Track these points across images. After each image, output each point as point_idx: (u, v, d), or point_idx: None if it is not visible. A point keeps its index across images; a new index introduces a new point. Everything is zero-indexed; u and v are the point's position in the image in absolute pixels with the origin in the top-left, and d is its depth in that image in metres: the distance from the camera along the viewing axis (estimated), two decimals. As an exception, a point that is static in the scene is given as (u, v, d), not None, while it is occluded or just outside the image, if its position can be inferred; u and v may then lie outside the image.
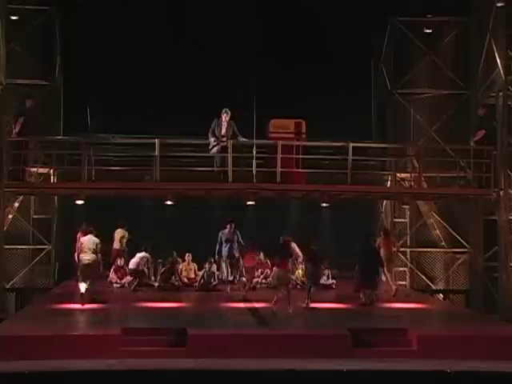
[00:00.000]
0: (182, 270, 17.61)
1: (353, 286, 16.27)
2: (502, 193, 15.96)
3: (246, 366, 10.58)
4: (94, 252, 14.81)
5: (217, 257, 16.83)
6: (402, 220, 19.99)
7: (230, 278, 16.75)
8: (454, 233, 19.12)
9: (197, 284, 17.24)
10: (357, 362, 10.76)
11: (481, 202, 17.25)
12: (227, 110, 15.86)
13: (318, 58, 19.90)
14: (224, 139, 15.71)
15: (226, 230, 16.48)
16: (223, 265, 16.74)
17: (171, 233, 19.53)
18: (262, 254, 18.11)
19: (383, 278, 16.58)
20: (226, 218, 16.76)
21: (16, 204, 18.45)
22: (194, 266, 17.66)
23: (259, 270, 17.94)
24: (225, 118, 15.83)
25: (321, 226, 20.19)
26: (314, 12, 19.69)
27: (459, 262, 19.14)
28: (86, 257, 14.76)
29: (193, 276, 17.53)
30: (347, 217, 19.27)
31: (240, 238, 16.56)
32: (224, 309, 14.64)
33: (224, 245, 16.44)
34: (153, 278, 17.42)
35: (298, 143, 16.19)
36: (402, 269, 19.75)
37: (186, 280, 17.46)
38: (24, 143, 15.70)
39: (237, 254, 16.57)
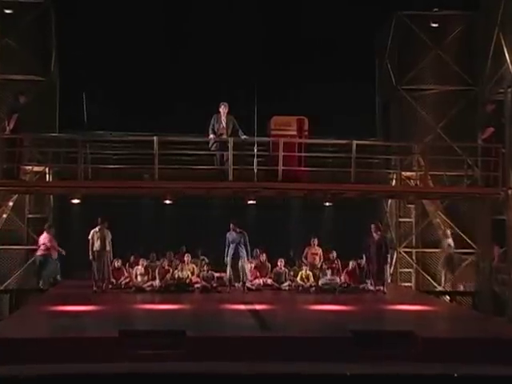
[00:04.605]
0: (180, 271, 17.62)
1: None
2: (510, 192, 15.94)
3: (246, 370, 10.58)
4: None
5: (226, 259, 16.88)
6: (408, 220, 20.01)
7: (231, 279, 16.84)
8: (460, 233, 19.12)
9: (197, 286, 17.24)
10: (360, 366, 10.75)
11: (488, 201, 17.23)
12: (225, 103, 15.87)
13: (320, 53, 19.92)
14: (223, 133, 15.70)
15: (232, 231, 16.66)
16: (227, 266, 16.83)
17: (170, 233, 19.53)
18: (264, 256, 18.13)
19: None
20: (231, 219, 16.85)
21: (10, 203, 18.42)
22: (193, 267, 17.65)
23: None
24: (223, 111, 15.82)
25: (323, 226, 20.21)
26: (317, 6, 19.71)
27: (466, 262, 19.13)
28: None
29: (192, 277, 17.50)
30: (350, 216, 19.29)
31: (247, 241, 16.65)
32: (224, 311, 14.64)
33: (230, 246, 16.59)
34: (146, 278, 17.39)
35: (300, 141, 16.19)
36: (407, 270, 19.78)
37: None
38: (18, 140, 15.67)
39: (243, 257, 16.64)
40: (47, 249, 17.67)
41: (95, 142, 16.79)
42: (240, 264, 16.73)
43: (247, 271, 16.92)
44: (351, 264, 17.59)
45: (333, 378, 10.40)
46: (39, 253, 17.72)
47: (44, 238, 17.74)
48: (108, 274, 16.87)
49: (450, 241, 18.58)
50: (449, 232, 18.79)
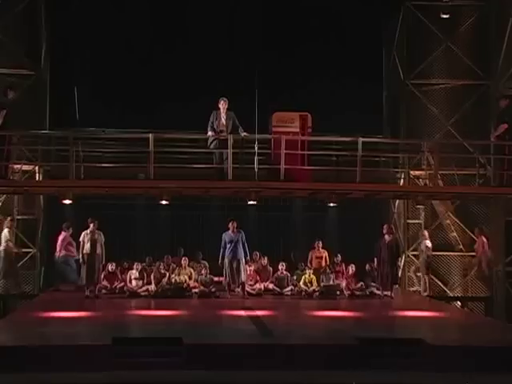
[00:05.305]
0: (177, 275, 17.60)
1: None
2: (524, 192, 15.94)
3: (247, 379, 10.55)
4: None
5: (220, 261, 16.85)
6: (416, 221, 19.96)
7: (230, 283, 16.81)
8: (472, 235, 19.08)
9: (195, 291, 17.22)
10: (367, 375, 10.72)
11: (502, 201, 17.22)
12: (224, 98, 15.84)
13: (325, 47, 19.89)
14: (223, 130, 15.67)
15: (229, 231, 16.61)
16: (225, 269, 16.79)
17: (167, 235, 19.50)
18: (266, 259, 18.11)
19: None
20: (228, 218, 16.83)
21: (-2, 204, 18.46)
22: (190, 271, 17.62)
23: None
24: (222, 106, 15.79)
25: (327, 228, 20.18)
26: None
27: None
28: None
29: (189, 282, 17.47)
30: (356, 217, 19.26)
31: (245, 240, 16.62)
32: (223, 317, 14.61)
33: (228, 246, 16.55)
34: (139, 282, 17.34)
35: (303, 138, 16.17)
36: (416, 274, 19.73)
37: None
38: (7, 138, 15.64)
39: (241, 258, 16.60)
40: (64, 249, 17.91)
41: (87, 140, 16.72)
42: (236, 266, 16.68)
43: (243, 272, 16.84)
44: (350, 269, 17.57)
45: (338, 388, 10.39)
46: (57, 254, 17.95)
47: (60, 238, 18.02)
48: (98, 278, 16.84)
49: (428, 242, 18.54)
50: (426, 233, 18.76)
